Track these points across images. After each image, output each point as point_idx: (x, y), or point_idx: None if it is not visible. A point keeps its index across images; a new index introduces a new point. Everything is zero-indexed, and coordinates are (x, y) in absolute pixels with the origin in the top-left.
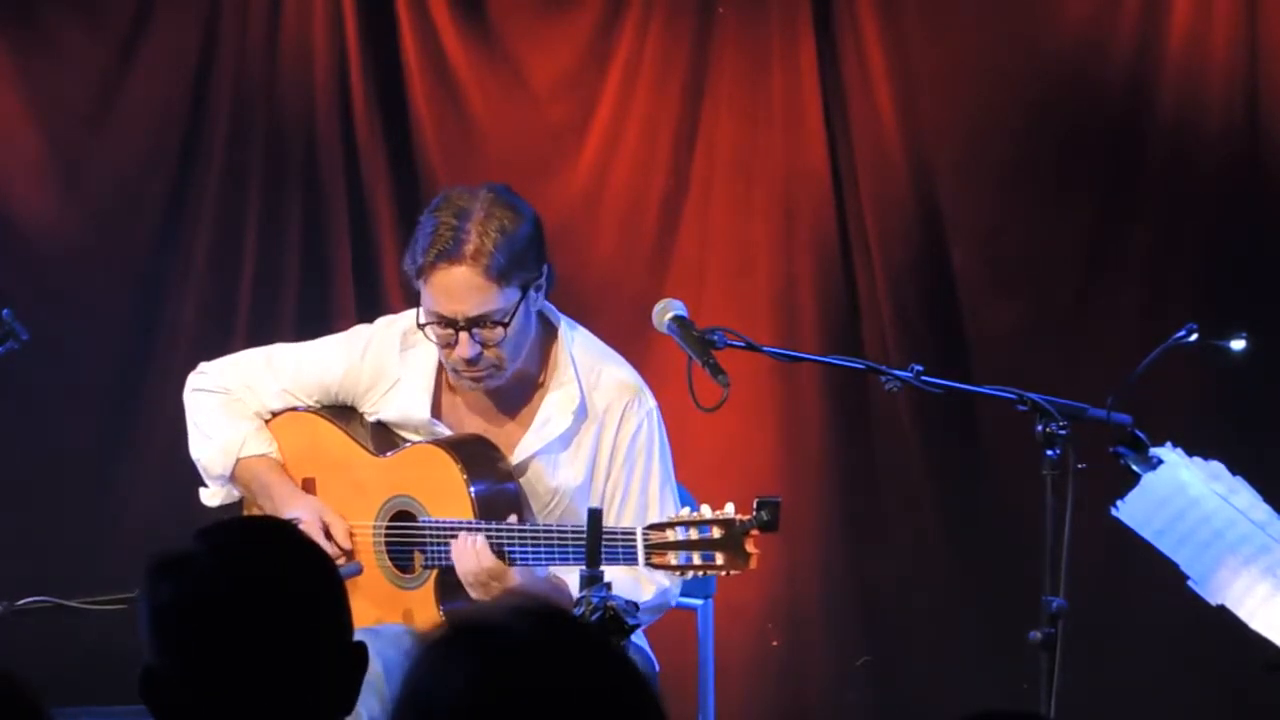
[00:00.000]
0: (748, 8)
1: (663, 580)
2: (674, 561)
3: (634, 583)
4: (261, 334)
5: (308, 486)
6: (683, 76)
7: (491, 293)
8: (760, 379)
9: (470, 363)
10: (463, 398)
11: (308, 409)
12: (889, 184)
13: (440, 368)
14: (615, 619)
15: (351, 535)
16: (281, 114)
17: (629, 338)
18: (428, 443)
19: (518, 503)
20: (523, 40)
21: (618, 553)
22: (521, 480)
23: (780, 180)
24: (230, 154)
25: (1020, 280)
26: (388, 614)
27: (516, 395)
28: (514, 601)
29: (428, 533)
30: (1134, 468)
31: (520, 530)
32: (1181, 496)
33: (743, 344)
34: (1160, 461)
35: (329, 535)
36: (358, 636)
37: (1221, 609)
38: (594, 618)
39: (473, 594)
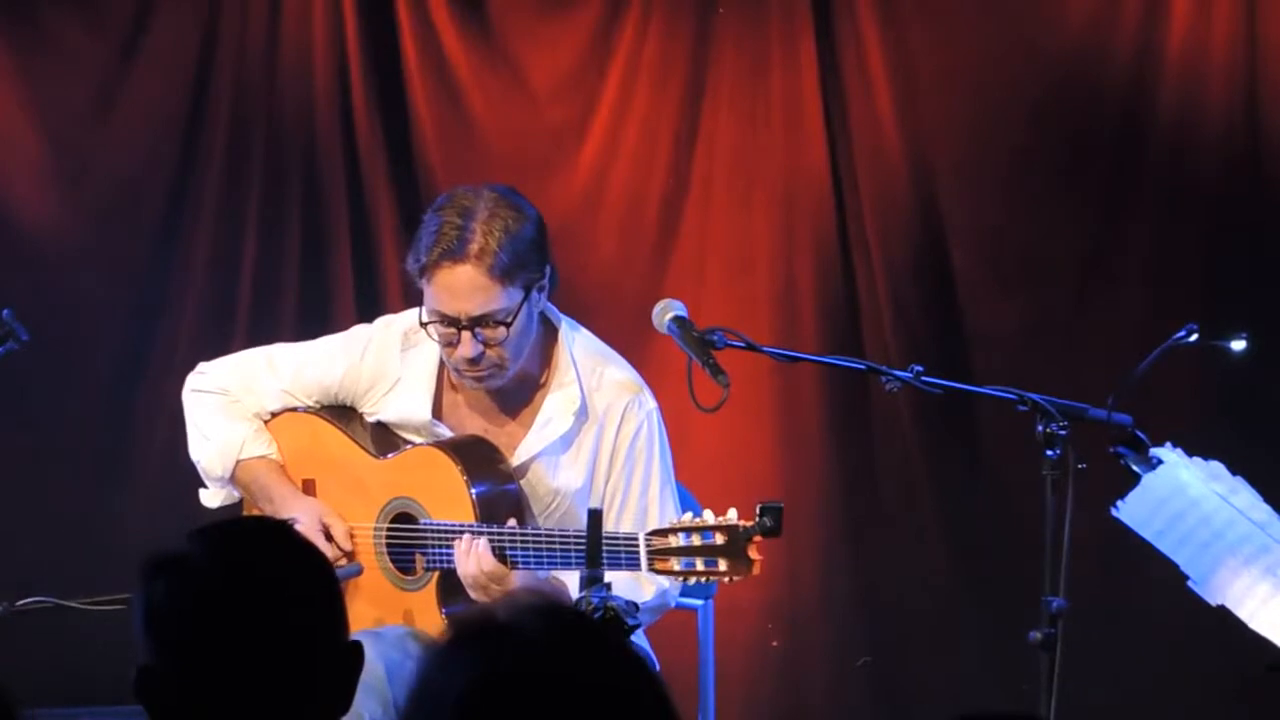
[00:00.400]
0: (748, 8)
1: (663, 581)
2: (677, 567)
3: (634, 583)
4: (261, 334)
5: (308, 488)
6: (683, 76)
7: (495, 292)
8: (760, 379)
9: (472, 362)
10: (463, 398)
11: (307, 410)
12: (889, 184)
13: (441, 368)
14: (615, 619)
15: (352, 536)
16: (281, 114)
17: (629, 338)
18: (428, 445)
19: (518, 504)
20: (523, 40)
21: (620, 558)
22: (522, 481)
23: (780, 180)
24: (230, 154)
25: (1020, 280)
26: (389, 615)
27: (517, 396)
28: (521, 600)
29: (428, 535)
30: (1134, 468)
31: (521, 534)
32: (1181, 497)
33: (743, 344)
34: (1160, 462)
35: (329, 536)
36: (359, 638)
37: (1221, 609)
38: (594, 618)
39: (473, 596)
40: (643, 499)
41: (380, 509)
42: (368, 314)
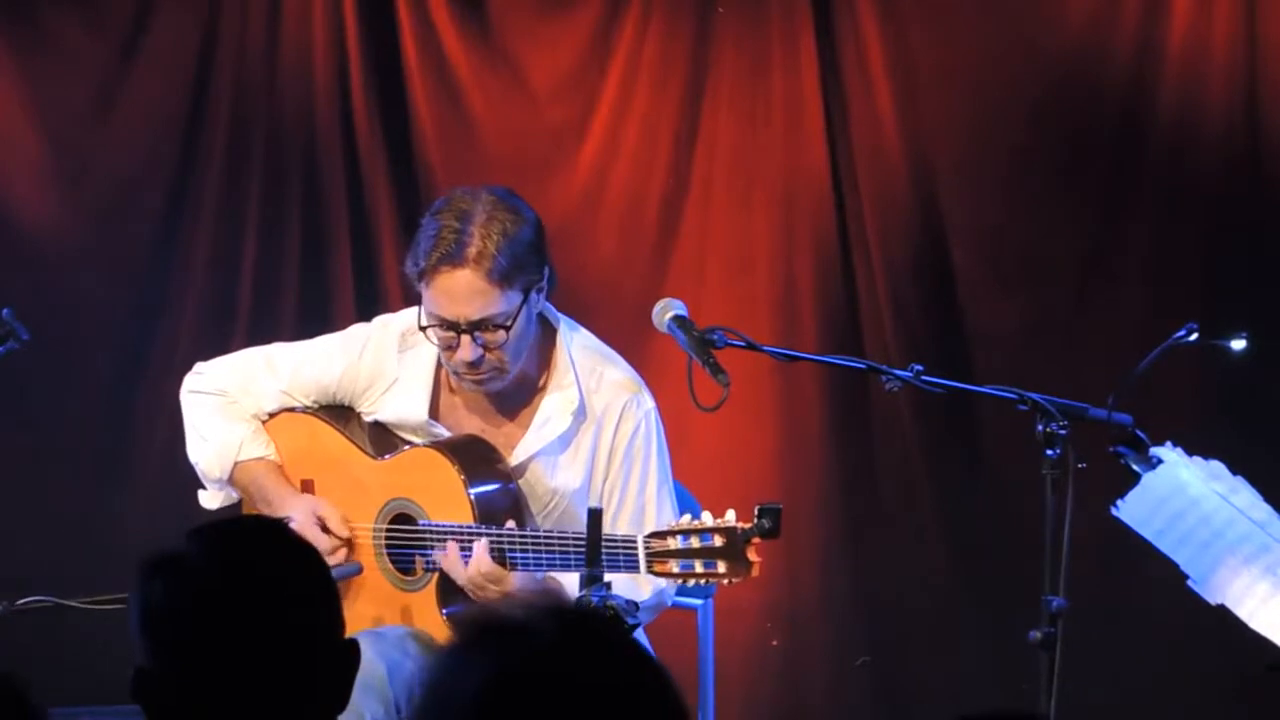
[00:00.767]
0: (748, 8)
1: (659, 582)
2: (675, 569)
3: (631, 583)
4: (261, 334)
5: (306, 488)
6: (683, 76)
7: (494, 296)
8: (760, 379)
9: (472, 365)
10: (461, 399)
11: (305, 410)
12: (889, 184)
13: (438, 369)
14: (615, 619)
15: (351, 532)
16: (281, 114)
17: (629, 338)
18: (426, 445)
19: (517, 505)
20: (523, 40)
21: (619, 560)
22: (520, 481)
23: (780, 180)
24: (230, 154)
25: (1020, 280)
26: (389, 615)
27: (516, 396)
28: (530, 600)
29: (427, 536)
30: (1134, 467)
31: (520, 535)
32: (1181, 496)
33: (743, 344)
34: (1160, 461)
35: (325, 528)
36: (360, 638)
37: (1221, 609)
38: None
39: (472, 597)
40: (640, 498)
41: (379, 510)
42: (368, 314)
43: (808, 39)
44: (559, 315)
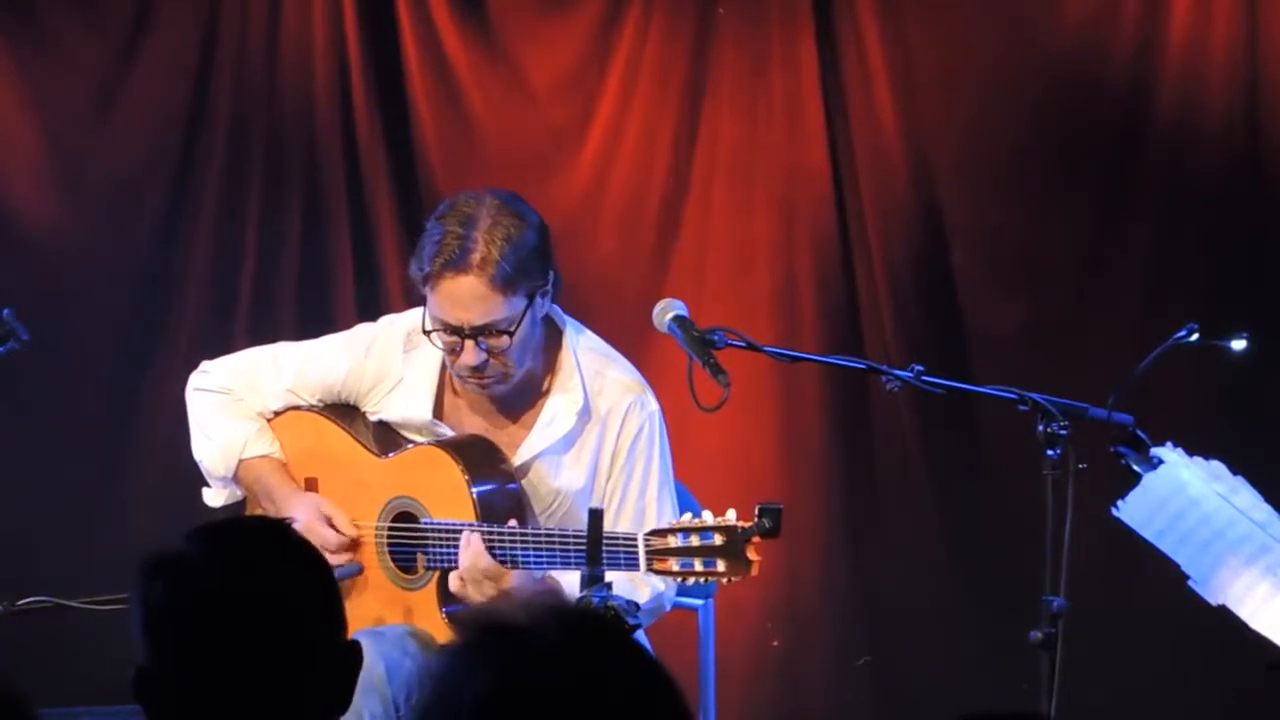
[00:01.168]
0: (748, 8)
1: (658, 584)
2: (675, 568)
3: (630, 585)
4: (261, 334)
5: (310, 486)
6: (683, 76)
7: (497, 302)
8: (760, 379)
9: (475, 370)
10: (465, 399)
11: (310, 408)
12: (889, 184)
13: (444, 368)
14: (616, 619)
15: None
16: (281, 114)
17: (629, 338)
18: (430, 444)
19: (519, 504)
20: (523, 40)
21: (619, 558)
22: (524, 481)
23: (780, 180)
24: (230, 154)
25: (1020, 280)
26: (390, 614)
27: (521, 398)
28: (532, 601)
29: (429, 534)
30: (1134, 468)
31: (522, 534)
32: (1182, 496)
33: (743, 344)
34: (1161, 461)
35: (332, 525)
36: (360, 637)
37: (1221, 609)
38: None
39: (471, 595)
40: (641, 499)
41: (381, 508)
42: (368, 314)
43: (808, 39)
44: (565, 317)
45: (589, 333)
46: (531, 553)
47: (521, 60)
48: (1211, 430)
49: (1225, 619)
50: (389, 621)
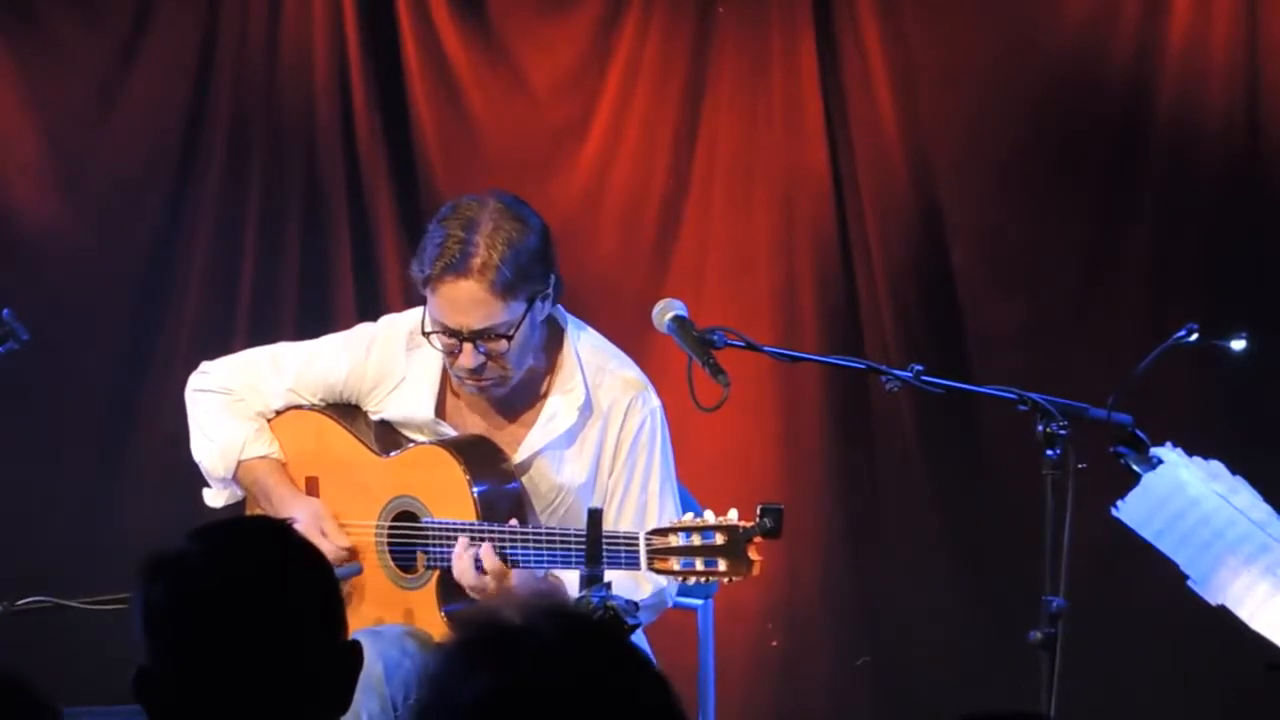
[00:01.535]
0: (748, 8)
1: (660, 580)
2: (676, 567)
3: (631, 582)
4: (261, 334)
5: (310, 485)
6: (683, 76)
7: (497, 307)
8: (760, 379)
9: (474, 372)
10: (467, 399)
11: (312, 407)
12: (889, 184)
13: (445, 368)
14: (615, 619)
15: (352, 535)
16: (281, 114)
17: (629, 338)
18: (431, 443)
19: (520, 503)
20: (523, 40)
21: (620, 557)
22: (525, 478)
23: (780, 180)
24: (230, 154)
25: (1020, 280)
26: (389, 614)
27: (522, 396)
28: (530, 602)
29: (430, 533)
30: (1134, 468)
31: (522, 533)
32: (1181, 496)
33: (743, 344)
34: (1160, 461)
35: (325, 537)
36: (359, 636)
37: (1221, 609)
38: (601, 620)
39: (470, 593)
40: (642, 495)
41: (382, 507)
42: (368, 314)
43: (808, 39)
44: (567, 316)
45: (590, 330)
46: (532, 552)
47: (521, 60)
48: (1211, 430)
49: (1225, 619)
50: (388, 621)
